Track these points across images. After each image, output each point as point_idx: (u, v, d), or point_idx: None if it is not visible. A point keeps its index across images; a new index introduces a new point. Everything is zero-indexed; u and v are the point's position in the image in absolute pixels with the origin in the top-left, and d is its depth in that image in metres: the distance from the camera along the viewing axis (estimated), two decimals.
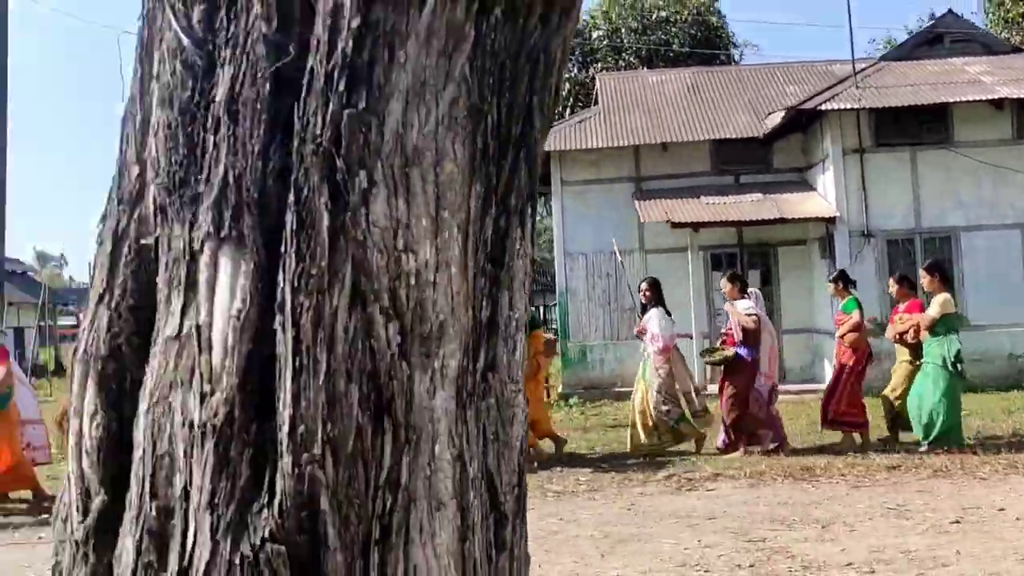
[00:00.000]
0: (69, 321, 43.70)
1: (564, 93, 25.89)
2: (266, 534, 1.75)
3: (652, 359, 10.13)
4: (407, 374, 1.81)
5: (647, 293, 10.43)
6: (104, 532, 1.97)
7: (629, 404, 10.84)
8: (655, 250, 17.58)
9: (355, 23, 1.77)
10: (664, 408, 9.96)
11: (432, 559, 1.83)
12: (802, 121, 16.82)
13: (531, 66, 1.95)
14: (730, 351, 10.02)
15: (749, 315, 9.93)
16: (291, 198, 1.80)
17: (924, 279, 9.78)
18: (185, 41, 1.95)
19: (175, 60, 1.96)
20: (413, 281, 1.82)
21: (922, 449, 9.11)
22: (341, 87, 1.77)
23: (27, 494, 8.64)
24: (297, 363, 1.76)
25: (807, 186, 17.53)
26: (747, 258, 17.92)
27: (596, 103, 20.36)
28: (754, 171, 18.12)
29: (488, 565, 1.97)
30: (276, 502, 1.76)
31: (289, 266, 1.79)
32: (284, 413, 1.77)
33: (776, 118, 17.23)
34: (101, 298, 2.05)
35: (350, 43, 1.77)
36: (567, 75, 28.67)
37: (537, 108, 2.02)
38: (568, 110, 27.41)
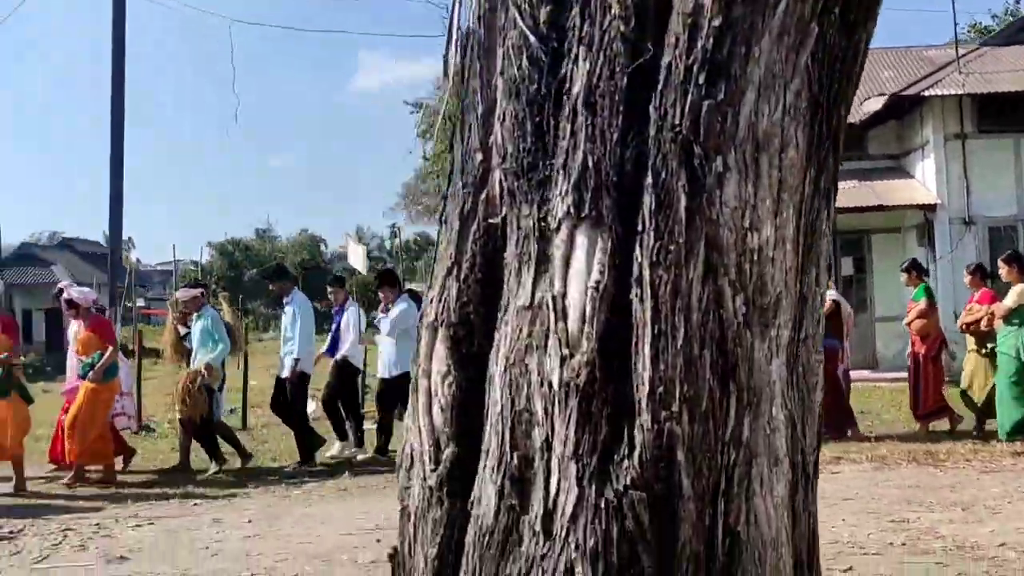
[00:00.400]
0: (139, 303, 45.55)
1: None
2: (628, 482, 1.95)
3: None
4: (750, 342, 1.99)
5: None
6: (454, 479, 2.20)
7: None
8: None
9: (716, 22, 1.94)
10: None
11: (771, 510, 2.01)
12: (904, 107, 16.61)
13: (852, 60, 2.11)
14: None
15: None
16: (648, 181, 1.99)
17: (1003, 269, 9.70)
18: (531, 38, 2.15)
19: (521, 56, 2.16)
20: (756, 257, 1.99)
21: (1000, 441, 9.07)
22: (700, 80, 1.95)
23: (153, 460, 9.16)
24: (656, 330, 1.96)
25: (903, 173, 17.31)
26: (841, 245, 17.77)
27: None
28: (848, 157, 17.89)
29: (802, 520, 2.16)
30: (636, 454, 1.95)
31: (647, 242, 1.97)
32: (643, 374, 1.96)
33: (873, 104, 17.00)
34: (449, 271, 2.27)
35: (711, 40, 1.94)
36: None
37: (844, 99, 2.18)
38: None
